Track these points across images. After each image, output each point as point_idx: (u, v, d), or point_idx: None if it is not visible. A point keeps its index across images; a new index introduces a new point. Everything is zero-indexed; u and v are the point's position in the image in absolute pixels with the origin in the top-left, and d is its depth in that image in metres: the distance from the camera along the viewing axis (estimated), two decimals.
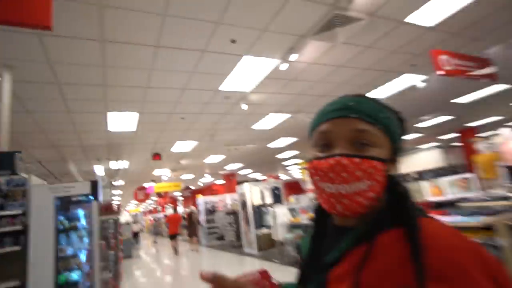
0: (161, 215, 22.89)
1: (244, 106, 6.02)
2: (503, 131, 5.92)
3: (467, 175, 5.51)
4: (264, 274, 0.66)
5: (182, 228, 15.22)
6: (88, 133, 6.91)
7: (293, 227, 7.25)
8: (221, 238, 12.12)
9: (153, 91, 5.19)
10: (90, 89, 4.80)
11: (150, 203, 29.95)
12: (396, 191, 0.61)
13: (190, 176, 15.90)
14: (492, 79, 4.86)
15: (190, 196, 20.17)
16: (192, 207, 14.29)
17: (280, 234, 7.42)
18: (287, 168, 19.45)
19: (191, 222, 12.07)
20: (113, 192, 15.35)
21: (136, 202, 21.61)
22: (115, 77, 4.52)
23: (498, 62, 5.19)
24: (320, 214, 0.73)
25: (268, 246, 8.67)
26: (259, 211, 8.96)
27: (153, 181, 14.18)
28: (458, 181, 5.42)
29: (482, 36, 4.77)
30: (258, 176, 21.90)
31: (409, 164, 16.73)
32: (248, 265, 7.82)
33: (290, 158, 14.46)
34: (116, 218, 7.04)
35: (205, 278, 0.53)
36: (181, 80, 4.93)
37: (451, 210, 4.04)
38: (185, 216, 14.34)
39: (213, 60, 4.39)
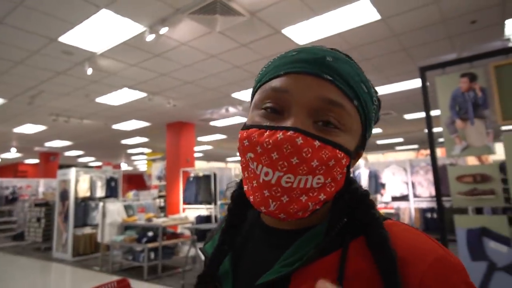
0: None
1: (90, 70, 4.90)
2: None
3: None
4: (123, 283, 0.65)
5: None
6: None
7: (126, 228, 6.26)
8: (19, 238, 9.40)
9: None
10: None
11: None
12: (353, 191, 0.47)
13: None
14: None
15: None
16: None
17: (108, 235, 6.24)
18: (132, 158, 17.44)
19: None
20: None
21: None
22: None
23: None
24: (240, 204, 0.53)
25: (88, 251, 7.23)
26: (85, 206, 7.37)
27: None
28: None
29: None
30: (93, 162, 18.69)
31: None
32: (53, 273, 6.23)
33: (137, 145, 12.83)
34: None
35: None
36: None
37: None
38: None
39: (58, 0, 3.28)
